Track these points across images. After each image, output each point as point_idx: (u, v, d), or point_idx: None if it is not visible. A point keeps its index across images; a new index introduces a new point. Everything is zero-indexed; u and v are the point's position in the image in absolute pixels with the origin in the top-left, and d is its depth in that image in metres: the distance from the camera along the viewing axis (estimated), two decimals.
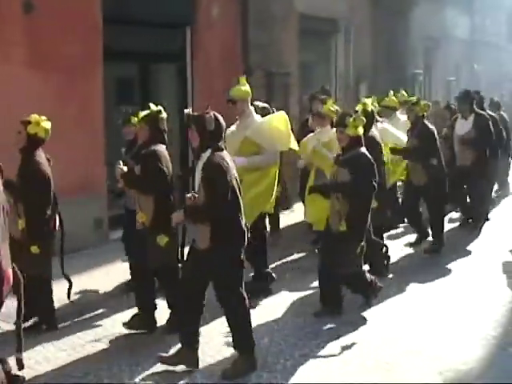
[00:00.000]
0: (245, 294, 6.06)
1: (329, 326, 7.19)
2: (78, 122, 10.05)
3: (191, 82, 12.52)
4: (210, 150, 5.91)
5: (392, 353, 6.51)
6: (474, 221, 11.93)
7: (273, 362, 6.29)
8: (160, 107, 7.17)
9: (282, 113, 8.35)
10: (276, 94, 14.10)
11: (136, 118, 7.17)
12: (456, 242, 10.73)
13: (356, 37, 17.85)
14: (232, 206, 5.87)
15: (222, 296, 6.05)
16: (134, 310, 7.18)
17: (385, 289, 8.07)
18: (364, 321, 7.36)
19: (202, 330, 6.38)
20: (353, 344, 6.73)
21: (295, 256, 10.11)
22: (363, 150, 7.29)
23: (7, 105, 8.95)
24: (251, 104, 8.29)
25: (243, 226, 5.97)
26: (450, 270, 9.26)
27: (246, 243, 6.01)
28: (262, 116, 8.30)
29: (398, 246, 10.46)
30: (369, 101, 8.64)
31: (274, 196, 8.17)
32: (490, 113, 12.80)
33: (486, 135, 11.37)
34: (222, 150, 5.97)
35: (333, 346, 6.68)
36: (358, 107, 8.35)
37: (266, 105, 9.02)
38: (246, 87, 8.02)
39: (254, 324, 6.24)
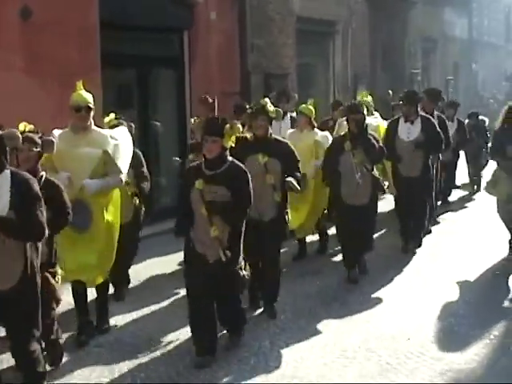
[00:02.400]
0: None
1: (328, 327, 7.19)
2: None
3: (189, 86, 12.53)
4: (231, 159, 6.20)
5: (394, 354, 6.51)
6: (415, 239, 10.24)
7: (275, 366, 6.30)
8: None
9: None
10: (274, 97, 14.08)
11: None
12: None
13: (354, 38, 17.87)
14: None
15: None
16: None
17: (383, 289, 8.10)
18: (366, 322, 7.36)
19: None
20: (354, 345, 6.74)
21: None
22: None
23: (5, 111, 8.94)
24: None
25: None
26: (448, 268, 9.25)
27: None
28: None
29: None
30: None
31: None
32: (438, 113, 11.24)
33: (437, 140, 9.83)
34: None
35: (333, 348, 6.68)
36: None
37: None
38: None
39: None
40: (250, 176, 6.18)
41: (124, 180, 6.86)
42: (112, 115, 8.01)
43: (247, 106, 9.18)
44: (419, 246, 10.18)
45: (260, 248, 7.23)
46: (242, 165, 6.23)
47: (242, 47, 13.50)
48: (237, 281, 6.24)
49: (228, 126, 6.05)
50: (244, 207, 6.18)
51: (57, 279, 5.99)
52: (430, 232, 11.06)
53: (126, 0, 11.09)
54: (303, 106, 9.56)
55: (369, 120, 9.15)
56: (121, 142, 6.86)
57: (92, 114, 6.72)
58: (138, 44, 11.61)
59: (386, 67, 19.97)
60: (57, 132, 6.70)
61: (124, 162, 6.85)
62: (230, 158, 6.15)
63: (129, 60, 11.59)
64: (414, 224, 10.13)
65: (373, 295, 8.17)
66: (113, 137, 6.80)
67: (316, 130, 9.53)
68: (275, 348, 6.66)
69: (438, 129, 9.87)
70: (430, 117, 10.12)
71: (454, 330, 7.14)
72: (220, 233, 6.04)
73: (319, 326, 7.21)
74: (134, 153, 7.36)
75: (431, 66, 25.24)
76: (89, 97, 6.76)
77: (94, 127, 6.74)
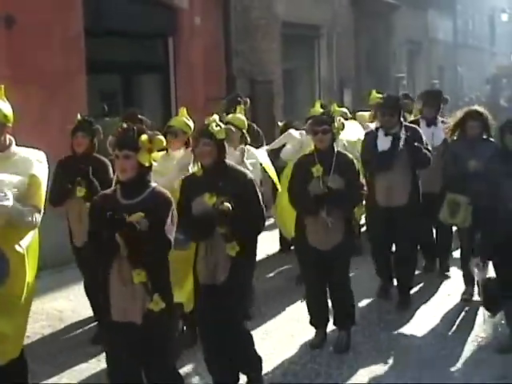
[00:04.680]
0: None
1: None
2: (62, 137, 9.97)
3: (175, 92, 12.51)
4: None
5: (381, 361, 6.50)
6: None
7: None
8: None
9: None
10: (260, 102, 14.09)
11: None
12: None
13: (338, 42, 17.90)
14: None
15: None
16: None
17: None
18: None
19: None
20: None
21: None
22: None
23: None
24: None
25: None
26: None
27: None
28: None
29: None
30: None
31: None
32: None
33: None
34: None
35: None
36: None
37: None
38: None
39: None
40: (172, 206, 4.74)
41: (38, 222, 4.96)
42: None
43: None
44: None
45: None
46: (165, 191, 4.80)
47: (227, 52, 13.47)
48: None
49: (145, 137, 4.66)
50: (164, 248, 4.68)
51: None
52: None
53: (110, 6, 11.03)
54: (232, 115, 7.69)
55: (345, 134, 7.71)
56: (42, 169, 5.08)
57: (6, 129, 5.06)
58: (122, 50, 11.57)
59: (371, 70, 20.01)
60: None
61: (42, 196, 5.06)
62: (152, 184, 4.79)
63: (113, 66, 11.56)
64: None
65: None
66: (40, 160, 5.09)
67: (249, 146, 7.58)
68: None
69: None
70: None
71: (440, 332, 7.14)
72: (144, 278, 4.61)
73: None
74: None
75: (416, 69, 25.32)
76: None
77: (13, 147, 5.09)
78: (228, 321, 5.43)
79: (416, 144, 7.49)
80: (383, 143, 7.61)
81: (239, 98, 9.36)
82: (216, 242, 5.36)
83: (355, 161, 6.68)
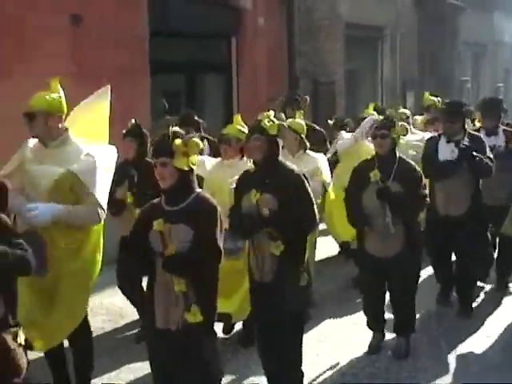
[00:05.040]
0: None
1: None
2: None
3: (237, 92, 12.55)
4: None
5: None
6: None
7: None
8: None
9: None
10: (322, 103, 14.06)
11: None
12: None
13: (402, 43, 17.74)
14: None
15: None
16: None
17: None
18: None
19: None
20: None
21: None
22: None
23: None
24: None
25: None
26: None
27: None
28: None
29: None
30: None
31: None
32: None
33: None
34: None
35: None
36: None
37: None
38: None
39: None
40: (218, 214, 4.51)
41: (103, 218, 5.22)
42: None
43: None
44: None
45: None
46: (209, 197, 4.63)
47: (290, 53, 13.47)
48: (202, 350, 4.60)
49: (179, 141, 4.47)
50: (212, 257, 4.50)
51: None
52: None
53: (174, 6, 11.13)
54: (291, 120, 7.55)
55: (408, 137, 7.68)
56: (99, 163, 5.21)
57: (50, 121, 5.23)
58: (186, 50, 11.65)
59: (434, 73, 19.79)
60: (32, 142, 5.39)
61: (102, 191, 5.20)
62: (197, 189, 4.63)
63: (177, 66, 11.65)
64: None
65: None
66: (89, 154, 5.21)
67: (309, 151, 7.57)
68: None
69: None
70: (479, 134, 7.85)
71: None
72: (184, 287, 4.47)
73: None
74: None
75: (481, 72, 24.94)
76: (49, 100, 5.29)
77: (66, 137, 5.26)
78: (274, 319, 5.37)
79: (476, 153, 7.15)
80: (444, 150, 7.34)
81: (297, 97, 9.32)
82: (262, 240, 5.29)
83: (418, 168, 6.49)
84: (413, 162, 6.49)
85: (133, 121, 7.18)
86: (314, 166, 7.38)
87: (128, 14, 10.29)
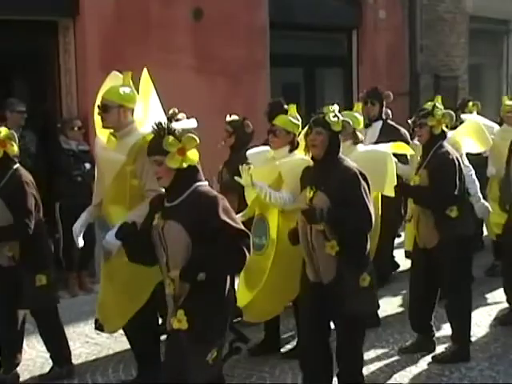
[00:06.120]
0: None
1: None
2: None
3: (357, 86, 12.41)
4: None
5: None
6: None
7: None
8: None
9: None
10: (444, 98, 13.72)
11: None
12: None
13: None
14: None
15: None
16: None
17: None
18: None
19: None
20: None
21: None
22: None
23: (175, 107, 9.16)
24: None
25: None
26: None
27: None
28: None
29: None
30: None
31: None
32: None
33: None
34: None
35: None
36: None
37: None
38: None
39: None
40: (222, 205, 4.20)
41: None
42: None
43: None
44: None
45: None
46: (208, 190, 4.30)
47: (411, 47, 13.23)
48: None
49: (170, 138, 4.15)
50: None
51: None
52: None
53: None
54: (347, 112, 6.45)
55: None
56: None
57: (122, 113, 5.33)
58: (305, 43, 11.61)
59: None
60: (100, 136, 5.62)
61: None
62: (197, 183, 4.27)
63: (296, 59, 11.62)
64: None
65: None
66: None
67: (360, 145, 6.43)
68: None
69: None
70: None
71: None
72: (172, 289, 4.24)
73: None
74: None
75: None
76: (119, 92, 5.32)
77: (130, 128, 5.37)
78: (328, 323, 5.18)
79: None
80: None
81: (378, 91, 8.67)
82: (317, 240, 5.00)
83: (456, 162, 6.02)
84: (449, 155, 6.04)
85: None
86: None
87: (248, 6, 10.36)
